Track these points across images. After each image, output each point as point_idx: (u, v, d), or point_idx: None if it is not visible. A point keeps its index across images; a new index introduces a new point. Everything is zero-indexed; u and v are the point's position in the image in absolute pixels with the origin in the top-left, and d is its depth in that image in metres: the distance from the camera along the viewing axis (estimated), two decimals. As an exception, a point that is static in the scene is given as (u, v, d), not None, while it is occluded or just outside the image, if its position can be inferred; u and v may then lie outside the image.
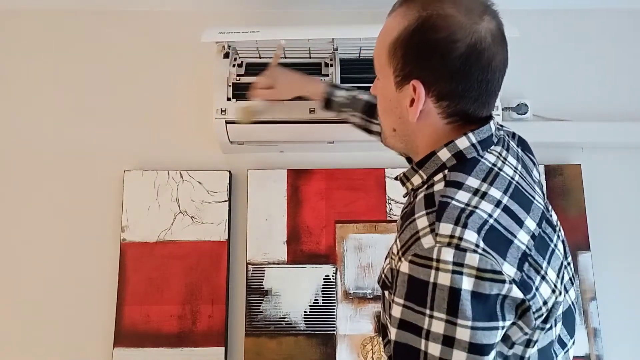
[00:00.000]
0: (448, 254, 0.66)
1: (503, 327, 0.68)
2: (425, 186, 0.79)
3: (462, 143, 0.77)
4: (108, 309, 1.44)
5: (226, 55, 1.44)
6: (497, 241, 0.69)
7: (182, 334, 1.42)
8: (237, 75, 1.44)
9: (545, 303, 0.70)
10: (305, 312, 1.44)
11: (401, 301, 0.70)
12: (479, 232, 0.68)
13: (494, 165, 0.77)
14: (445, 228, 0.68)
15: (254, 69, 1.46)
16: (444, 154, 0.78)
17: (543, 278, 0.71)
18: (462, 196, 0.72)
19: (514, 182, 0.77)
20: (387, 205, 1.51)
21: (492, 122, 0.80)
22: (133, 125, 1.58)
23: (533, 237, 0.72)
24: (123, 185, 1.50)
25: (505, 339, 0.72)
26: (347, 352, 1.41)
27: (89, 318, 1.45)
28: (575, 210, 1.51)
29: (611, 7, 1.65)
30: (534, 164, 0.89)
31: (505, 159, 0.79)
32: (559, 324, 0.78)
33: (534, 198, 0.77)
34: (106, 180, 1.53)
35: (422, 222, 0.72)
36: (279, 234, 1.48)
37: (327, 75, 1.44)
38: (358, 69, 1.45)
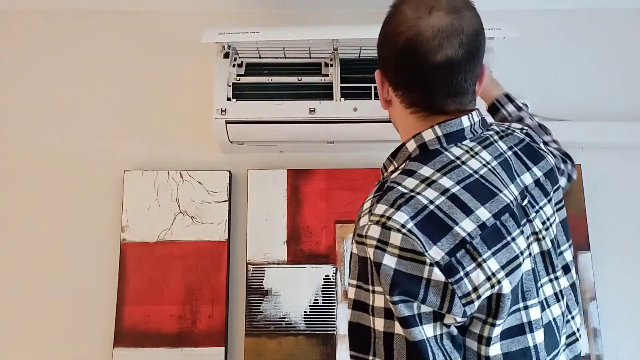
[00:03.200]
0: (374, 232, 0.71)
1: (420, 305, 0.69)
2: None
3: (428, 135, 0.80)
4: (108, 309, 1.44)
5: (226, 56, 1.44)
6: (433, 226, 0.71)
7: (182, 334, 1.42)
8: (237, 76, 1.45)
9: (475, 289, 0.70)
10: (305, 312, 1.44)
11: (354, 282, 0.74)
12: (413, 216, 0.71)
13: (458, 158, 0.78)
14: (379, 209, 0.73)
15: (254, 69, 1.47)
16: (411, 145, 0.82)
17: (479, 265, 0.70)
18: (409, 183, 0.75)
19: (476, 175, 0.77)
20: (387, 205, 1.50)
21: (465, 118, 0.80)
22: (133, 126, 1.58)
23: (482, 226, 0.72)
24: (123, 185, 1.50)
25: (445, 323, 0.72)
26: (347, 352, 1.41)
27: (89, 318, 1.45)
28: (575, 210, 1.51)
29: (612, 6, 1.65)
30: (529, 169, 0.85)
31: (476, 153, 0.80)
32: (539, 332, 0.76)
33: (500, 192, 0.76)
34: (106, 180, 1.53)
35: (366, 205, 0.76)
36: (279, 234, 1.48)
37: (327, 75, 1.45)
38: (358, 69, 1.45)
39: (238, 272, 1.48)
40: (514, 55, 1.56)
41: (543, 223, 0.83)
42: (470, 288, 0.70)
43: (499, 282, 0.71)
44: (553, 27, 1.66)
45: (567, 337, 0.88)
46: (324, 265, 1.47)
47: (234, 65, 1.45)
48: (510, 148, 0.85)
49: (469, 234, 0.71)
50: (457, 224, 0.72)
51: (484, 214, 0.73)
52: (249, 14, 1.64)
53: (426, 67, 0.77)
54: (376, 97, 1.41)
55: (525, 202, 0.81)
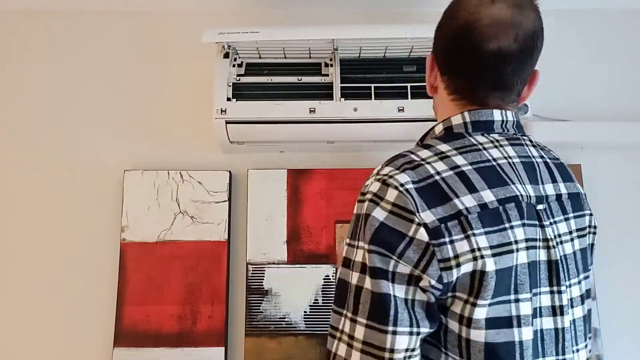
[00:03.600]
0: (374, 187, 0.73)
1: (397, 263, 0.69)
2: None
3: (456, 119, 0.81)
4: (108, 309, 1.45)
5: (226, 56, 1.44)
6: (434, 195, 0.71)
7: (182, 334, 1.42)
8: (237, 76, 1.45)
9: (456, 257, 0.69)
10: (305, 312, 1.44)
11: (346, 240, 0.76)
12: (417, 181, 0.72)
13: (480, 144, 0.78)
14: (384, 169, 0.75)
15: (254, 69, 1.47)
16: (438, 128, 0.83)
17: (467, 237, 0.70)
18: (423, 153, 0.76)
19: (493, 162, 0.76)
20: (387, 205, 1.50)
21: (498, 111, 0.80)
22: (133, 126, 1.58)
23: (483, 206, 0.72)
24: (123, 185, 1.50)
25: (421, 287, 0.70)
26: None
27: (89, 318, 1.45)
28: (575, 210, 1.51)
29: (612, 6, 1.65)
30: (554, 181, 0.83)
31: (500, 145, 0.79)
32: (527, 329, 0.73)
33: (513, 184, 0.76)
34: (106, 180, 1.53)
35: (376, 169, 0.78)
36: (279, 234, 1.48)
37: (327, 75, 1.45)
38: (358, 69, 1.45)
39: (238, 272, 1.48)
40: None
41: (556, 236, 0.81)
42: (451, 254, 0.69)
43: (482, 257, 0.70)
44: (552, 27, 1.65)
45: None
46: (324, 265, 1.47)
47: (234, 65, 1.45)
48: (542, 157, 0.84)
49: (466, 209, 0.71)
50: (457, 197, 0.72)
51: (488, 195, 0.73)
52: (249, 14, 1.64)
53: (477, 54, 0.77)
54: (376, 97, 1.41)
55: (541, 207, 0.79)
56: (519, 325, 0.73)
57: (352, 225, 0.75)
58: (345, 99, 1.40)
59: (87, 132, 1.58)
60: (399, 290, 0.69)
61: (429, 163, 0.75)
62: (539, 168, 0.82)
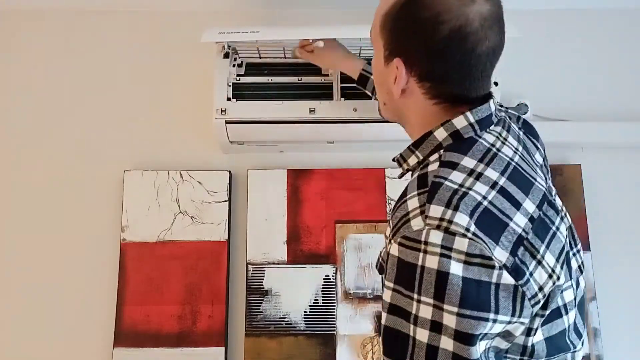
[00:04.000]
0: (436, 237, 0.65)
1: (495, 320, 0.64)
2: (421, 166, 0.78)
3: (460, 122, 0.76)
4: (108, 309, 1.44)
5: (226, 55, 1.44)
6: (491, 224, 0.66)
7: (182, 334, 1.41)
8: (237, 75, 1.45)
9: (541, 289, 0.67)
10: (305, 312, 1.44)
11: (391, 285, 0.68)
12: (471, 215, 0.66)
13: (493, 145, 0.75)
14: (435, 210, 0.67)
15: (254, 69, 1.47)
16: (441, 134, 0.77)
17: (539, 263, 0.68)
18: (456, 177, 0.70)
19: (513, 163, 0.74)
20: (387, 205, 1.50)
21: (491, 102, 0.77)
22: (133, 125, 1.58)
23: (532, 219, 0.69)
24: (123, 185, 1.50)
25: (507, 334, 0.69)
26: (347, 352, 1.41)
27: (89, 318, 1.45)
28: (575, 210, 1.50)
29: (611, 6, 1.65)
30: (537, 147, 0.87)
31: (505, 139, 0.77)
32: (572, 312, 0.74)
33: (535, 180, 0.74)
34: (106, 180, 1.53)
35: (413, 203, 0.70)
36: (279, 234, 1.48)
37: (327, 75, 1.45)
38: (358, 69, 1.45)
39: (238, 272, 1.48)
40: (514, 55, 1.54)
41: (562, 209, 0.81)
42: (536, 288, 0.67)
43: (558, 277, 0.69)
44: (552, 27, 1.66)
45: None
46: (324, 265, 1.47)
47: (234, 65, 1.45)
48: (520, 128, 0.85)
49: (523, 230, 0.68)
50: (511, 219, 0.68)
51: (530, 206, 0.71)
52: (249, 14, 1.64)
53: (472, 59, 0.73)
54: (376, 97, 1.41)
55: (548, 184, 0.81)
56: (567, 312, 0.74)
57: (398, 271, 0.68)
58: (345, 99, 1.40)
59: (87, 132, 1.58)
60: (482, 346, 0.66)
61: (470, 188, 0.69)
62: (526, 143, 0.83)
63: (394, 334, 0.68)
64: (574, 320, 0.77)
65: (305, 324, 1.43)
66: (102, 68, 1.62)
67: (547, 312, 0.70)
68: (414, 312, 0.66)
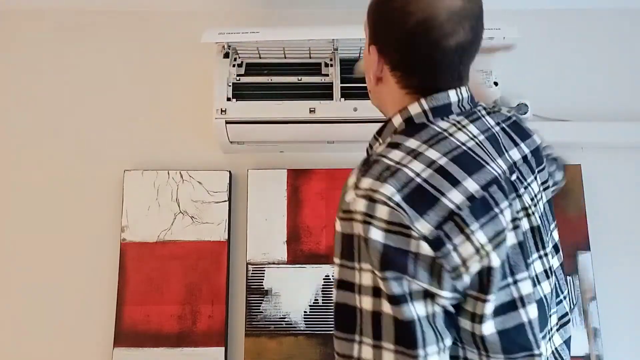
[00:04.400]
0: (362, 205, 0.69)
1: (411, 281, 0.67)
2: None
3: (414, 109, 0.79)
4: (108, 309, 1.44)
5: (226, 56, 1.44)
6: (420, 199, 0.69)
7: (182, 334, 1.41)
8: (237, 75, 1.45)
9: (464, 262, 0.69)
10: (305, 312, 1.44)
11: (338, 261, 0.72)
12: (400, 188, 0.69)
13: (445, 130, 0.77)
14: (365, 182, 0.71)
15: (254, 69, 1.47)
16: (397, 120, 0.80)
17: (467, 237, 0.69)
18: (395, 155, 0.74)
19: (464, 147, 0.75)
20: (387, 205, 1.50)
21: (453, 92, 0.79)
22: (133, 125, 1.58)
23: (471, 198, 0.71)
24: (123, 185, 1.50)
25: (449, 313, 0.71)
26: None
27: (89, 318, 1.45)
28: (575, 210, 1.51)
29: (611, 6, 1.65)
30: (517, 144, 0.85)
31: (463, 127, 0.79)
32: (531, 307, 0.74)
33: (488, 164, 0.75)
34: (106, 180, 1.53)
35: (351, 180, 0.74)
36: (279, 234, 1.48)
37: (327, 75, 1.45)
38: (358, 69, 1.45)
39: (238, 272, 1.48)
40: (514, 55, 1.55)
41: (532, 199, 0.82)
42: (459, 261, 0.69)
43: (487, 254, 0.70)
44: (553, 27, 1.66)
45: (560, 318, 0.87)
46: (324, 265, 1.46)
47: (234, 65, 1.45)
48: (498, 124, 0.84)
49: (457, 206, 0.70)
50: (444, 195, 0.70)
51: (472, 185, 0.72)
52: (249, 14, 1.64)
53: (437, 52, 0.75)
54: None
55: (514, 177, 0.80)
56: (524, 305, 0.73)
57: (342, 244, 0.71)
58: (345, 99, 1.40)
59: (87, 132, 1.58)
60: (420, 309, 0.68)
61: (404, 165, 0.72)
62: (500, 136, 0.82)
63: (343, 309, 0.70)
64: (540, 311, 0.76)
65: (305, 324, 1.43)
66: (102, 68, 1.62)
67: (490, 297, 0.70)
68: (357, 281, 0.69)
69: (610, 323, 1.46)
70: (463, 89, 0.81)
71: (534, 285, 0.76)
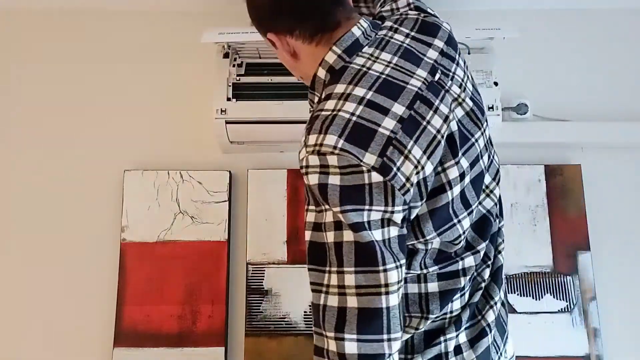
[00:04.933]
0: (314, 160, 0.78)
1: (370, 210, 0.76)
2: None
3: (330, 57, 0.87)
4: (108, 309, 1.44)
5: (226, 56, 1.45)
6: (361, 135, 0.77)
7: (182, 334, 1.42)
8: (237, 75, 1.45)
9: (408, 179, 0.77)
10: (305, 312, 1.44)
11: (307, 207, 0.82)
12: (341, 133, 0.77)
13: (363, 66, 0.85)
14: (311, 139, 0.79)
15: (254, 69, 1.47)
16: (321, 73, 0.89)
17: (406, 157, 0.77)
18: (330, 104, 0.82)
19: (383, 76, 0.83)
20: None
21: (355, 27, 0.88)
22: (133, 125, 1.58)
23: (401, 120, 0.79)
24: (123, 185, 1.50)
25: (401, 232, 0.80)
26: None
27: (89, 318, 1.45)
28: (575, 210, 1.51)
29: (611, 6, 1.65)
30: (430, 45, 0.91)
31: (377, 57, 0.86)
32: (455, 189, 0.83)
33: (407, 83, 0.83)
34: (106, 180, 1.53)
35: (302, 139, 0.83)
36: (279, 234, 1.48)
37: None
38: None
39: (238, 272, 1.48)
40: (514, 56, 1.56)
41: (460, 86, 0.90)
42: (404, 180, 0.77)
43: (422, 167, 0.79)
44: (553, 27, 1.66)
45: (498, 245, 0.99)
46: (324, 265, 1.46)
47: (234, 65, 1.45)
48: (407, 35, 0.91)
49: (392, 131, 0.78)
50: (379, 125, 0.78)
51: (399, 109, 0.80)
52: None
53: None
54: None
55: (438, 76, 0.87)
56: (450, 188, 0.83)
57: (311, 195, 0.80)
58: (345, 99, 1.40)
59: (87, 132, 1.58)
60: (377, 235, 0.77)
61: (340, 110, 0.80)
62: (412, 47, 0.89)
63: (315, 246, 0.81)
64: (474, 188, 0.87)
65: (306, 324, 1.43)
66: (103, 68, 1.62)
67: (426, 206, 0.81)
68: (323, 221, 0.79)
69: (611, 323, 1.46)
70: (362, 20, 0.90)
71: (478, 160, 0.88)
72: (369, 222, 0.77)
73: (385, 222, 0.78)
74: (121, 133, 1.57)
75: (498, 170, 0.99)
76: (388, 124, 0.78)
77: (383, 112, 0.79)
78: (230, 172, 1.52)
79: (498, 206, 0.99)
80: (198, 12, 1.63)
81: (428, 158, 0.80)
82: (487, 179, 0.95)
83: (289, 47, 0.91)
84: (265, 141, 1.49)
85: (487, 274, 0.95)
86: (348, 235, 0.76)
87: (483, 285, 0.95)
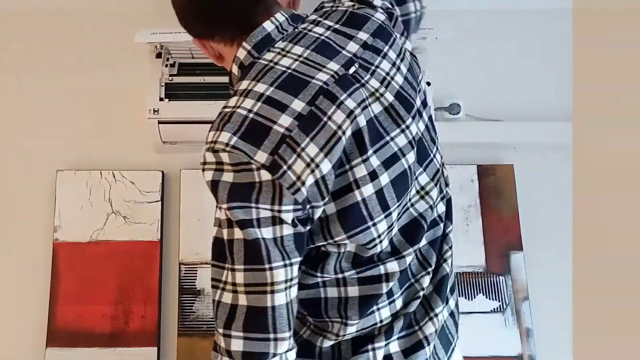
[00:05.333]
0: (209, 157, 0.79)
1: (257, 208, 0.76)
2: None
3: (240, 53, 0.87)
4: (40, 309, 1.43)
5: (159, 56, 1.45)
6: (255, 132, 0.77)
7: (114, 334, 1.41)
8: (170, 75, 1.45)
9: (299, 178, 0.76)
10: (236, 312, 1.43)
11: (216, 204, 0.82)
12: (236, 130, 0.77)
13: (270, 61, 0.84)
14: (210, 136, 0.80)
15: (187, 69, 1.47)
16: (235, 69, 0.89)
17: (299, 156, 0.76)
18: (232, 101, 0.82)
19: (289, 71, 0.82)
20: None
21: (268, 22, 0.87)
22: (66, 125, 1.57)
23: (298, 117, 0.78)
24: (55, 185, 1.49)
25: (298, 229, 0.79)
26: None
27: (21, 318, 1.44)
28: (508, 210, 1.51)
29: (544, 7, 1.65)
30: (351, 37, 0.89)
31: (288, 51, 0.85)
32: (364, 189, 0.81)
33: (313, 78, 0.81)
34: (38, 180, 1.52)
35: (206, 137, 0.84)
36: (211, 234, 1.47)
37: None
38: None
39: (171, 272, 1.48)
40: (447, 56, 1.56)
41: (382, 80, 0.87)
42: (294, 178, 0.76)
43: (317, 165, 0.77)
44: (484, 28, 1.65)
45: (443, 253, 0.96)
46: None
47: (166, 65, 1.45)
48: (329, 28, 0.89)
49: (286, 129, 0.77)
50: (275, 123, 0.77)
51: (298, 105, 0.78)
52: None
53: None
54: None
55: (353, 69, 0.85)
56: (358, 187, 0.81)
57: (212, 192, 0.81)
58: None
59: (19, 132, 1.57)
60: (266, 233, 0.77)
61: (238, 107, 0.79)
62: (331, 39, 0.87)
63: (215, 242, 0.82)
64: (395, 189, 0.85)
65: (236, 324, 1.43)
66: (34, 67, 1.61)
67: (328, 200, 0.80)
68: (219, 217, 0.80)
69: (543, 323, 1.46)
70: (278, 14, 0.88)
71: (401, 156, 0.85)
72: (258, 219, 0.76)
73: (277, 220, 0.77)
74: (54, 133, 1.57)
75: (439, 171, 0.95)
76: (284, 121, 0.77)
77: (281, 108, 0.78)
78: (163, 172, 1.52)
79: (445, 209, 0.96)
80: (131, 12, 1.62)
81: (325, 155, 0.77)
82: (424, 179, 0.92)
83: (213, 50, 0.92)
84: (198, 141, 1.46)
85: (426, 282, 0.91)
86: (238, 233, 0.77)
87: (422, 294, 0.91)
